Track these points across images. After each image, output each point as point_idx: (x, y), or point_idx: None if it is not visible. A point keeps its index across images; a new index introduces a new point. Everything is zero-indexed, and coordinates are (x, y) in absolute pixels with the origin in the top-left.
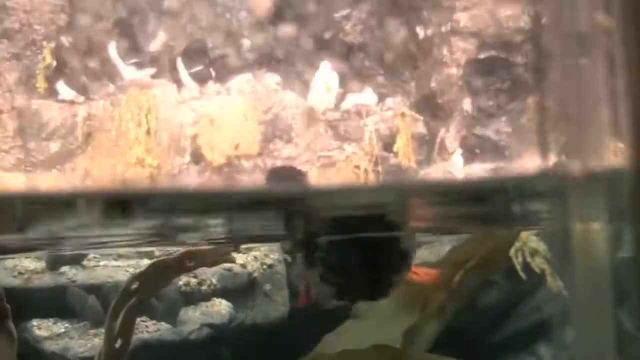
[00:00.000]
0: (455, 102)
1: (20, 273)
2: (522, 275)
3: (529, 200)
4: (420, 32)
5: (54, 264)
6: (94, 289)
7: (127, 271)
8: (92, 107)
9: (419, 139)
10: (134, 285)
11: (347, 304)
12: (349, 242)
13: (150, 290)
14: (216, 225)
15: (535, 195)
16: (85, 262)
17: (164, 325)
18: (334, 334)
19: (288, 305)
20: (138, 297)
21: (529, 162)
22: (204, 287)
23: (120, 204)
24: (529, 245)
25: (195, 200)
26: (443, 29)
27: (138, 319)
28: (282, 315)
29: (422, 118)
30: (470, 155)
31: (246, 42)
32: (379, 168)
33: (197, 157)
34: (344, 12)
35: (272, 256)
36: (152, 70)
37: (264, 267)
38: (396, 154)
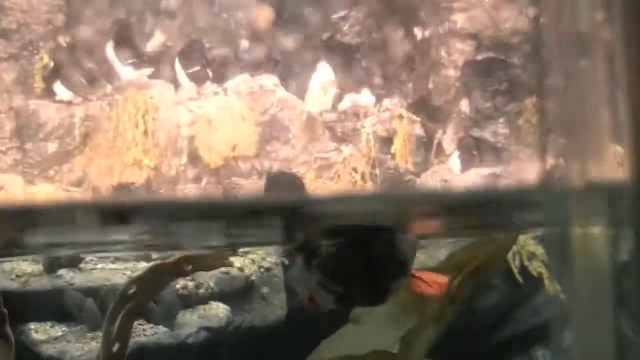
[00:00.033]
0: (453, 103)
1: (17, 276)
2: (520, 278)
3: (528, 209)
4: (418, 33)
5: (52, 267)
6: (92, 292)
7: (125, 274)
8: (90, 107)
9: (417, 141)
10: (132, 289)
11: (345, 309)
12: (348, 249)
13: (147, 294)
14: (214, 233)
15: (535, 205)
16: (82, 265)
17: (161, 329)
18: (332, 339)
19: (286, 308)
20: (136, 300)
21: (527, 165)
22: (201, 291)
23: (118, 213)
24: (527, 249)
25: (193, 209)
26: (441, 30)
27: (135, 323)
28: (279, 319)
29: (419, 119)
30: (467, 157)
31: (244, 43)
32: (377, 171)
33: (195, 158)
34: (342, 13)
35: (269, 259)
36: (149, 71)
37: (262, 270)
38: (393, 156)
